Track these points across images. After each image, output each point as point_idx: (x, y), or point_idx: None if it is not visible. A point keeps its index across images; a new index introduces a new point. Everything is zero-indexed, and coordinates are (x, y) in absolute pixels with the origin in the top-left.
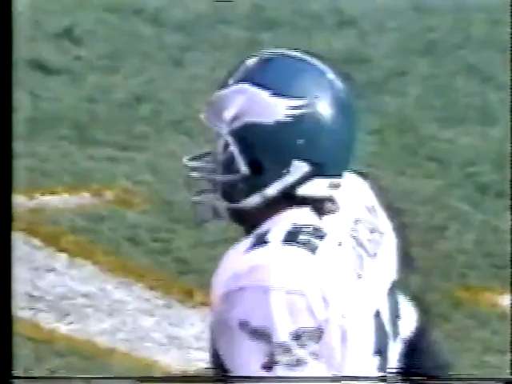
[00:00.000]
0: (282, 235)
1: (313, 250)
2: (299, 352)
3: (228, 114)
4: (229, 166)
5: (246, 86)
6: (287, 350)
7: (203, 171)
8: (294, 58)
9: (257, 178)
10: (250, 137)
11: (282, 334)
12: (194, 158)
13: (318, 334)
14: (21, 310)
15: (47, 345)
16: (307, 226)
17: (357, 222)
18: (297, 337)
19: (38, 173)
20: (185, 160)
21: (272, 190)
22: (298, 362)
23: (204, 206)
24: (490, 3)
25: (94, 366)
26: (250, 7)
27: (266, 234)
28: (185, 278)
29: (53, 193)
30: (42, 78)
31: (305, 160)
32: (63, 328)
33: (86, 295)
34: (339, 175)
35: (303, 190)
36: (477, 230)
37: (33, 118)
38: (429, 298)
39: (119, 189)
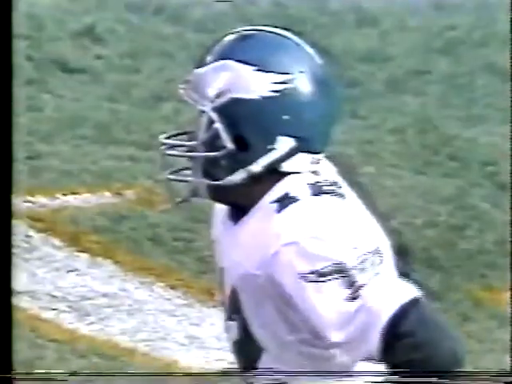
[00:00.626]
0: (306, 191)
1: (342, 196)
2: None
3: (212, 90)
4: (213, 142)
5: (229, 62)
6: (362, 269)
7: (182, 149)
8: (273, 33)
9: (242, 154)
10: (234, 112)
11: (353, 260)
12: (170, 136)
13: (378, 255)
14: (43, 310)
15: (69, 345)
16: (322, 181)
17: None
18: (363, 261)
19: (60, 173)
20: (161, 138)
21: (257, 166)
22: (375, 276)
23: (182, 185)
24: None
25: (116, 366)
26: (272, 5)
27: (287, 195)
28: (206, 277)
29: (74, 193)
30: (64, 78)
31: (290, 135)
32: (85, 328)
33: (107, 295)
34: (321, 151)
35: (287, 166)
36: (497, 229)
37: (54, 117)
38: (450, 298)
39: (140, 188)
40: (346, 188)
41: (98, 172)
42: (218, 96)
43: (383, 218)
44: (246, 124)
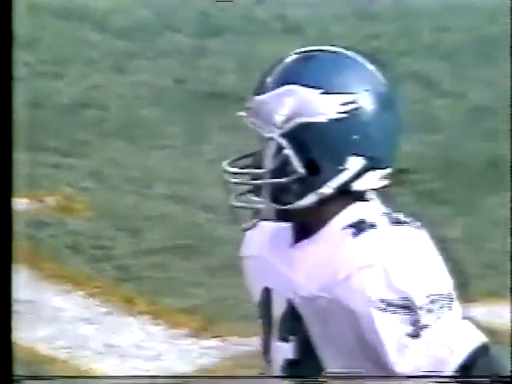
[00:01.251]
0: (383, 219)
1: (418, 227)
2: (439, 313)
3: (279, 117)
4: (282, 168)
5: (293, 87)
6: (430, 310)
7: (248, 176)
8: (333, 53)
9: (312, 177)
10: (304, 137)
11: (422, 299)
12: (232, 162)
13: (450, 300)
14: None
15: None
16: (395, 212)
17: None
18: (433, 301)
19: None
20: (225, 165)
21: (328, 188)
22: (440, 320)
23: (247, 211)
24: (434, 10)
25: (34, 374)
26: (196, 14)
27: (363, 222)
28: (125, 285)
29: None
30: None
31: (360, 155)
32: None
33: (25, 302)
34: (389, 166)
35: (358, 185)
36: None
37: None
38: None
39: (61, 195)
40: (418, 223)
41: (19, 178)
42: (286, 122)
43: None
44: (316, 148)
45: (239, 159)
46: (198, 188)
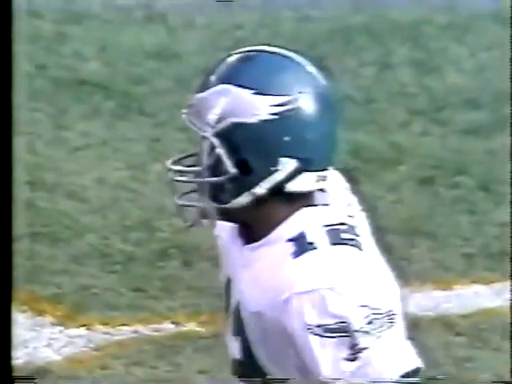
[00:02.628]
0: (324, 238)
1: (359, 247)
2: (378, 334)
3: (212, 116)
4: (216, 167)
5: (227, 87)
6: (367, 332)
7: (188, 174)
8: (274, 53)
9: (245, 177)
10: (235, 137)
11: (359, 321)
12: (176, 161)
13: (390, 318)
14: None
15: None
16: (340, 224)
17: (349, 206)
18: (371, 321)
19: None
20: (168, 163)
21: (261, 188)
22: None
23: (191, 209)
24: (297, 1)
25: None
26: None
27: (304, 238)
28: None
29: None
30: None
31: (292, 156)
32: None
33: None
34: (326, 169)
35: (292, 186)
36: None
37: None
38: None
39: None
40: (362, 231)
41: None
42: (219, 121)
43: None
44: (248, 148)
45: (184, 158)
46: (60, 175)
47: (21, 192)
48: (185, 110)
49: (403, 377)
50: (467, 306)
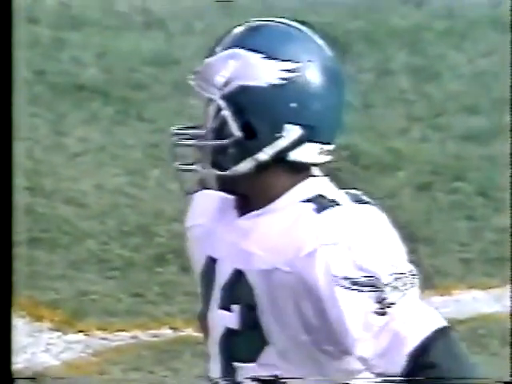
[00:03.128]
0: (346, 197)
1: (378, 207)
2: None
3: (220, 78)
4: (221, 130)
5: (237, 50)
6: (395, 288)
7: (192, 139)
8: (283, 24)
9: (249, 142)
10: (242, 100)
11: (387, 276)
12: (181, 128)
13: (411, 277)
14: None
15: None
16: (354, 190)
17: None
18: (397, 278)
19: None
20: (172, 129)
21: (264, 154)
22: (405, 296)
23: (191, 176)
24: (296, 8)
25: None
26: (57, 5)
27: (324, 198)
28: None
29: None
30: None
31: (297, 124)
32: None
33: None
34: (329, 142)
35: (295, 155)
36: None
37: None
38: None
39: None
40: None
41: None
42: (226, 84)
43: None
44: (254, 111)
45: (188, 128)
46: (59, 181)
47: (20, 198)
48: (192, 76)
49: (434, 333)
50: (465, 311)
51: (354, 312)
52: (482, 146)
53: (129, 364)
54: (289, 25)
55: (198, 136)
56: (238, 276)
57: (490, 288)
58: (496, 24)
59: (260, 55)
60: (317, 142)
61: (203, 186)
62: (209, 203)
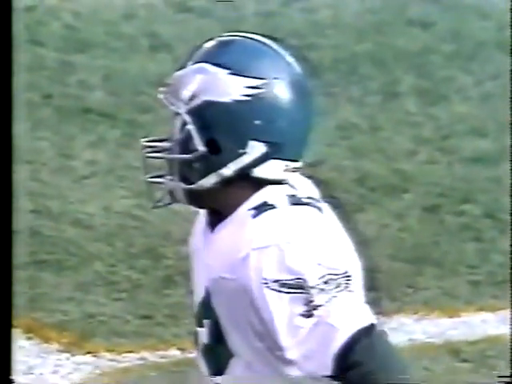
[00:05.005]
0: (285, 200)
1: (320, 209)
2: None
3: (186, 92)
4: (186, 144)
5: (204, 65)
6: (323, 290)
7: (160, 152)
8: (252, 40)
9: (213, 157)
10: (207, 115)
11: (315, 278)
12: (152, 140)
13: (346, 280)
14: None
15: None
16: (301, 193)
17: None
18: (327, 281)
19: None
20: (143, 141)
21: (228, 170)
22: (334, 299)
23: (161, 189)
24: (301, 29)
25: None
26: (63, 28)
27: (265, 203)
28: None
29: None
30: None
31: (262, 141)
32: None
33: None
34: (296, 160)
35: (259, 172)
36: None
37: None
38: None
39: None
40: (324, 205)
41: None
42: (192, 98)
43: (361, 243)
44: (218, 127)
45: (159, 141)
46: (66, 203)
47: (26, 220)
48: (162, 89)
49: (358, 332)
50: (473, 333)
51: (281, 313)
52: (489, 167)
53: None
54: (259, 41)
55: (166, 149)
56: (206, 292)
57: (498, 310)
58: (503, 46)
59: (226, 71)
60: (282, 159)
61: (173, 199)
62: (200, 225)
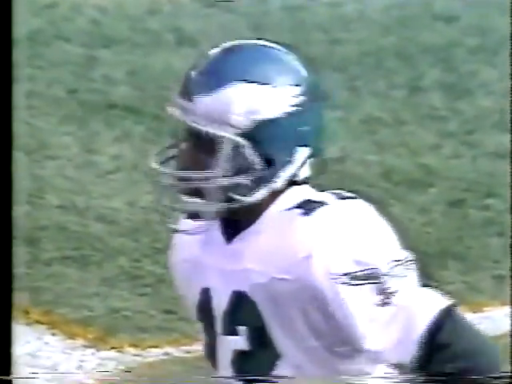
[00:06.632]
0: (331, 196)
1: (364, 201)
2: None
3: (235, 117)
4: (239, 165)
5: (243, 85)
6: (393, 276)
7: (193, 180)
8: (263, 46)
9: (266, 171)
10: (261, 133)
11: (385, 266)
12: (162, 163)
13: (410, 263)
14: None
15: None
16: (338, 191)
17: None
18: (395, 267)
19: None
20: (155, 165)
21: (279, 180)
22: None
23: (186, 210)
24: (326, 22)
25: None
26: (88, 23)
27: (310, 201)
28: (20, 295)
29: None
30: None
31: (305, 145)
32: None
33: None
34: (322, 155)
35: (303, 173)
36: None
37: None
38: None
39: None
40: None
41: None
42: (241, 120)
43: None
44: (272, 142)
45: (165, 157)
46: (91, 198)
47: (52, 216)
48: (182, 112)
49: (440, 314)
50: (498, 327)
51: (359, 307)
52: None
53: (161, 380)
54: (268, 47)
55: (207, 177)
56: (238, 298)
57: None
58: None
59: (267, 86)
60: (314, 157)
61: (196, 217)
62: (188, 237)
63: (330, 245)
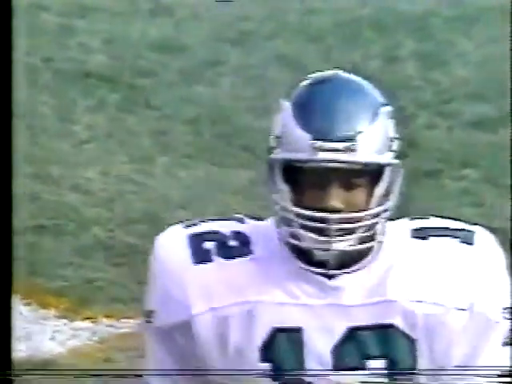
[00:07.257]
0: (455, 223)
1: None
2: None
3: (388, 140)
4: (386, 196)
5: (386, 108)
6: None
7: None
8: (344, 76)
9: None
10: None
11: None
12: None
13: None
14: None
15: None
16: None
17: None
18: None
19: None
20: (298, 210)
21: (391, 202)
22: None
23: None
24: None
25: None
26: None
27: (447, 228)
28: None
29: None
30: None
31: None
32: None
33: None
34: None
35: None
36: None
37: None
38: None
39: None
40: None
41: None
42: (394, 143)
43: None
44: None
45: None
46: (65, 168)
47: (25, 185)
48: (339, 157)
49: None
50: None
51: (496, 340)
52: (489, 132)
53: (135, 351)
54: (347, 76)
55: (356, 219)
56: (353, 333)
57: None
58: (505, 11)
59: (386, 113)
60: None
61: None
62: (234, 279)
63: (497, 276)
